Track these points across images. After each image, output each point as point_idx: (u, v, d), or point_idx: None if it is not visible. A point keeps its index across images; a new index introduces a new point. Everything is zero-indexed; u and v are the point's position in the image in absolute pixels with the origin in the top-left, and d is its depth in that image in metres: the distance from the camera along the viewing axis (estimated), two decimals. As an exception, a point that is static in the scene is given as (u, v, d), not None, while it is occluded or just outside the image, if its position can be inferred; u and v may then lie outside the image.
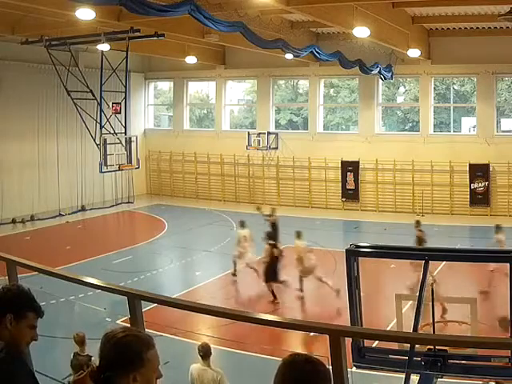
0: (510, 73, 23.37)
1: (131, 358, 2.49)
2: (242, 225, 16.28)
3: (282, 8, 14.82)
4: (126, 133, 20.71)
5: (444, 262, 14.30)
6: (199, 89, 31.40)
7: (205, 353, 7.81)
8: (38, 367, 3.78)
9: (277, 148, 26.79)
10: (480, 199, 23.22)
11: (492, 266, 14.25)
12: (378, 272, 14.92)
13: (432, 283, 6.71)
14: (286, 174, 27.08)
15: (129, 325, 3.41)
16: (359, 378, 7.88)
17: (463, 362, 6.13)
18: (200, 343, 8.19)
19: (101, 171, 19.96)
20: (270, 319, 3.82)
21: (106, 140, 19.69)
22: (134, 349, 2.52)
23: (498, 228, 15.54)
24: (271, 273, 14.61)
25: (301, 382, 2.38)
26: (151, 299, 3.71)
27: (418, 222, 15.65)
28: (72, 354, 8.26)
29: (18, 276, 4.06)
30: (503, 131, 24.16)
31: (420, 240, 14.73)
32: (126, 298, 3.52)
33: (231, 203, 27.34)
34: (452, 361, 6.08)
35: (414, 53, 20.96)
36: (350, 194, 25.53)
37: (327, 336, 2.90)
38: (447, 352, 5.99)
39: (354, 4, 15.51)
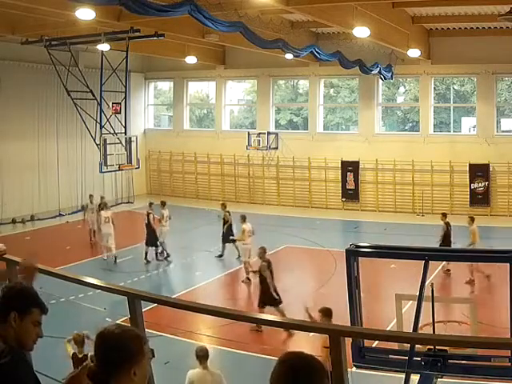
0: (510, 73, 23.35)
1: (132, 352, 2.57)
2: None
3: (282, 8, 14.82)
4: (126, 133, 20.70)
5: (444, 262, 14.32)
6: (199, 89, 31.40)
7: (203, 355, 7.78)
8: (38, 367, 3.77)
9: (277, 148, 26.79)
10: (480, 199, 23.21)
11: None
12: (378, 272, 14.92)
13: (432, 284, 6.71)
14: (286, 174, 27.08)
15: (129, 325, 3.41)
16: (359, 378, 7.89)
17: (463, 361, 6.13)
18: (198, 347, 8.16)
19: (101, 171, 19.96)
20: (269, 319, 3.82)
21: (106, 140, 19.68)
22: (134, 343, 2.59)
23: (163, 204, 18.22)
24: None
25: (295, 379, 2.37)
26: (151, 299, 3.71)
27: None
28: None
29: (18, 276, 4.06)
30: (503, 131, 24.14)
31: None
32: (125, 298, 3.52)
33: (231, 203, 27.28)
34: (452, 361, 6.08)
35: (414, 53, 20.96)
36: (350, 194, 25.52)
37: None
38: (447, 352, 5.99)
39: (354, 4, 15.50)
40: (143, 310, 3.54)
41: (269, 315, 5.69)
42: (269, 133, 26.74)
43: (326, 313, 8.91)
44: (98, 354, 2.60)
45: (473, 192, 23.32)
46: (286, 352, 2.48)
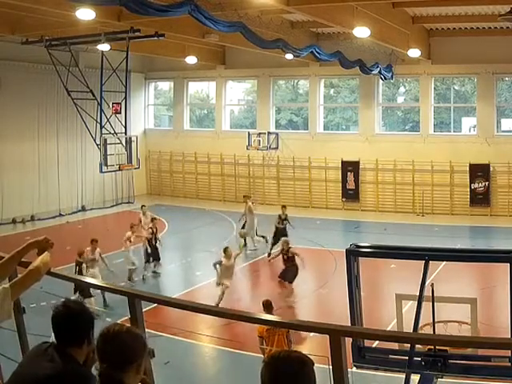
0: (510, 73, 23.34)
1: (139, 350, 2.70)
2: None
3: (282, 8, 14.81)
4: (126, 133, 20.72)
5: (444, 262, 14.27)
6: (199, 89, 31.39)
7: None
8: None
9: (277, 148, 26.79)
10: (480, 199, 23.21)
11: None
12: (378, 272, 14.92)
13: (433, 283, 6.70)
14: (286, 174, 27.07)
15: (128, 325, 3.41)
16: (359, 378, 7.89)
17: (463, 361, 6.13)
18: None
19: (101, 171, 19.97)
20: (270, 319, 3.82)
21: (106, 140, 19.69)
22: (139, 342, 2.72)
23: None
24: None
25: (276, 380, 2.47)
26: (151, 299, 3.71)
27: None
28: None
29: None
30: (503, 131, 24.12)
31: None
32: (125, 297, 3.52)
33: (231, 203, 27.31)
34: (452, 361, 6.08)
35: (414, 53, 20.95)
36: (350, 194, 25.52)
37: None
38: (447, 352, 5.99)
39: (354, 4, 15.50)
40: (143, 310, 3.54)
41: (269, 315, 5.69)
42: (269, 133, 26.74)
43: (266, 306, 9.63)
44: (107, 355, 2.64)
45: (473, 192, 23.31)
46: (271, 353, 2.54)
